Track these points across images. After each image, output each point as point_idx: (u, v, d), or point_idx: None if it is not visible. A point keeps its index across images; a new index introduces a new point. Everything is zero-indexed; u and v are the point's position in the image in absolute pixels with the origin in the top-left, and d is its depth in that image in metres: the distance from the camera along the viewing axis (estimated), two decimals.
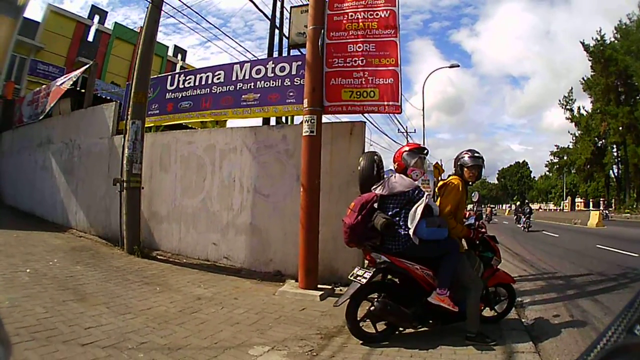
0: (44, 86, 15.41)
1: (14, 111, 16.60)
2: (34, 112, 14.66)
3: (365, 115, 10.04)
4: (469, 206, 5.86)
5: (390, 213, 4.70)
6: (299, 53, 10.13)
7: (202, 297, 6.24)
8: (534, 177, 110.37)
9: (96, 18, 31.10)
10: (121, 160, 9.50)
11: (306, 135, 7.10)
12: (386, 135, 47.97)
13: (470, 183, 5.28)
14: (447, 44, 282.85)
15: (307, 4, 8.15)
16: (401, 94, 7.02)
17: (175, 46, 38.16)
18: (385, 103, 7.02)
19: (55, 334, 4.32)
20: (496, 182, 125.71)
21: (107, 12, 32.89)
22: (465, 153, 5.24)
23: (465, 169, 5.16)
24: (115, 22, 32.61)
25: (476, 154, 5.22)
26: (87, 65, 13.41)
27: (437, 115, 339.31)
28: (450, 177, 5.41)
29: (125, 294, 6.14)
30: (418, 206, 4.56)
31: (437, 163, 24.58)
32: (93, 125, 11.60)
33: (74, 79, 13.34)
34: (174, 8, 15.11)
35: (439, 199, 5.31)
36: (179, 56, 37.92)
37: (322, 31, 7.25)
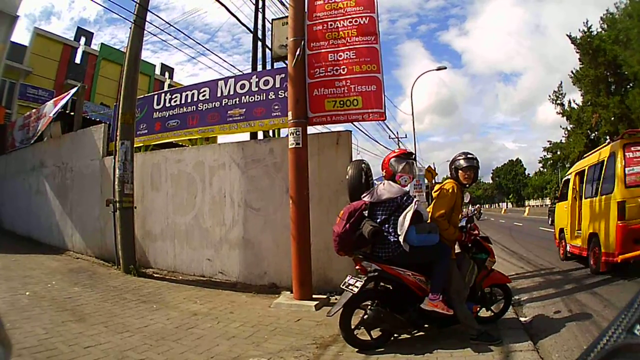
0: (34, 110, 15.43)
1: (6, 136, 16.59)
2: (25, 136, 14.69)
3: (356, 123, 10.04)
4: (470, 207, 5.84)
5: (379, 220, 4.72)
6: (284, 65, 10.16)
7: (198, 313, 6.25)
8: (529, 174, 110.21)
9: (82, 40, 31.08)
10: (113, 181, 9.50)
11: (292, 147, 7.12)
12: (377, 142, 48.12)
13: (467, 185, 5.34)
14: (436, 46, 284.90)
15: (288, 16, 8.17)
16: (384, 100, 7.05)
17: (163, 64, 38.11)
18: (369, 111, 7.03)
19: (55, 353, 4.40)
20: (491, 181, 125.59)
21: (93, 34, 32.95)
22: (460, 156, 5.31)
23: (460, 172, 5.22)
24: (102, 43, 32.66)
25: (469, 156, 5.28)
26: (76, 88, 13.42)
27: (430, 118, 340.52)
28: (446, 181, 5.45)
29: (122, 312, 6.18)
30: (407, 212, 4.57)
31: (429, 167, 24.60)
32: (84, 148, 11.62)
33: (63, 103, 13.33)
34: (157, 27, 15.14)
35: (433, 202, 5.36)
36: (167, 74, 37.87)
37: (303, 42, 7.28)
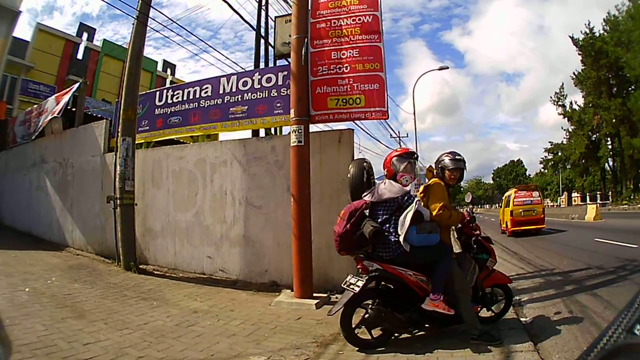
0: (35, 106, 15.45)
1: (7, 132, 16.57)
2: (26, 132, 14.67)
3: (357, 122, 10.03)
4: (469, 207, 5.86)
5: (380, 220, 4.70)
6: (286, 63, 10.14)
7: (198, 311, 6.24)
8: (529, 174, 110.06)
9: (85, 35, 31.13)
10: (114, 177, 9.52)
11: (294, 145, 7.11)
12: (378, 141, 48.25)
13: (452, 185, 5.32)
14: (439, 45, 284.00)
15: (291, 14, 8.16)
16: (387, 99, 7.05)
17: (165, 61, 38.17)
18: (372, 109, 7.03)
19: (54, 350, 4.39)
20: (491, 181, 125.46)
21: (95, 29, 33.01)
22: (446, 155, 5.28)
23: (447, 172, 5.21)
24: (104, 39, 32.63)
25: (457, 157, 5.25)
26: (77, 84, 13.39)
27: (432, 118, 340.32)
28: (431, 180, 5.42)
29: (122, 309, 6.17)
30: (407, 212, 4.54)
31: (430, 166, 24.63)
32: (85, 144, 11.60)
33: (67, 100, 13.30)
34: (160, 23, 15.19)
35: (422, 200, 5.33)
36: (169, 71, 37.93)
37: (306, 40, 7.26)
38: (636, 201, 44.12)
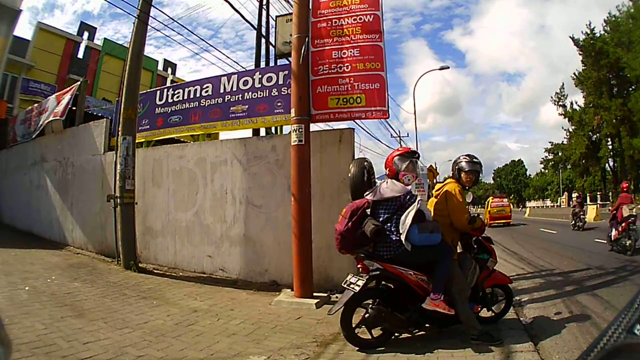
0: (36, 105, 15.39)
1: (7, 130, 16.57)
2: (27, 131, 14.67)
3: (358, 122, 10.03)
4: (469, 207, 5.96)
5: (381, 219, 4.69)
6: (287, 62, 10.12)
7: (198, 310, 6.23)
8: (530, 174, 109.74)
9: (85, 34, 31.08)
10: (114, 176, 9.53)
11: (295, 144, 7.09)
12: (379, 141, 48.22)
13: (467, 188, 5.35)
14: (440, 45, 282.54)
15: (292, 13, 8.15)
16: (388, 98, 7.02)
17: (165, 60, 38.06)
18: (372, 109, 6.99)
19: (54, 349, 4.38)
20: (492, 181, 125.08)
21: (95, 28, 32.92)
22: (464, 158, 5.33)
23: (463, 174, 5.26)
24: (105, 38, 32.55)
25: (474, 160, 5.30)
26: (78, 83, 13.37)
27: (433, 117, 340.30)
28: (448, 180, 5.46)
29: (122, 308, 6.16)
30: (409, 211, 4.54)
31: (431, 166, 24.90)
32: (85, 143, 11.60)
33: (68, 99, 13.28)
34: (161, 22, 15.18)
35: (431, 200, 5.35)
36: (169, 70, 37.82)
37: (307, 39, 7.24)
38: (636, 202, 44.11)
